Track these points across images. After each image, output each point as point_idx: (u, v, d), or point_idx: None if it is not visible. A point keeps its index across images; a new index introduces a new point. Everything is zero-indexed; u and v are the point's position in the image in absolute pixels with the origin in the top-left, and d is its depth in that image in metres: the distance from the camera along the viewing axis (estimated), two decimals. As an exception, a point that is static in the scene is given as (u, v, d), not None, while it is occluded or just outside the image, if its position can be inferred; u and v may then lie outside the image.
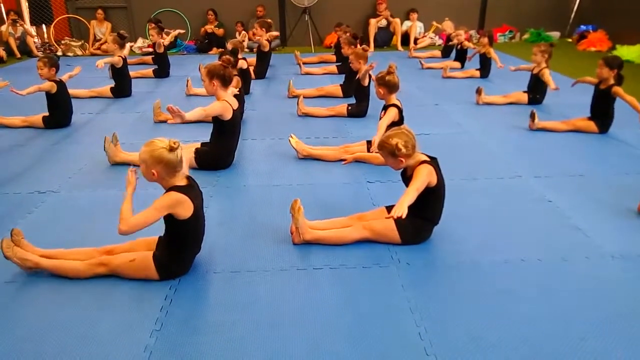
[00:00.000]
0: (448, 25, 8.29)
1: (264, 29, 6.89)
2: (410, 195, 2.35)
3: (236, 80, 4.52)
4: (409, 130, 2.57)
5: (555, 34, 10.14)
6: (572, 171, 3.67)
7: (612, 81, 4.31)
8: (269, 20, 7.36)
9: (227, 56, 4.56)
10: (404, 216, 2.22)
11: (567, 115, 4.79)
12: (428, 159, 2.56)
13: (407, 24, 9.87)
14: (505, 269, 2.47)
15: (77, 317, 2.14)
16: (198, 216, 2.35)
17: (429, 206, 2.61)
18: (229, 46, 5.67)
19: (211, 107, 3.52)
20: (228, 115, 3.58)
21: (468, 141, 4.38)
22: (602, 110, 4.44)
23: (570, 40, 9.99)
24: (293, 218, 2.65)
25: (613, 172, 3.65)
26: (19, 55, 9.02)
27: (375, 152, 3.49)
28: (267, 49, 6.87)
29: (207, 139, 3.80)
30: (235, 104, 3.68)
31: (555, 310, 2.16)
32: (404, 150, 2.48)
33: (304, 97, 5.34)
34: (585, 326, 2.06)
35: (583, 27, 9.62)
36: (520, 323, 2.09)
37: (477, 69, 6.88)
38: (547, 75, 5.14)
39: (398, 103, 3.72)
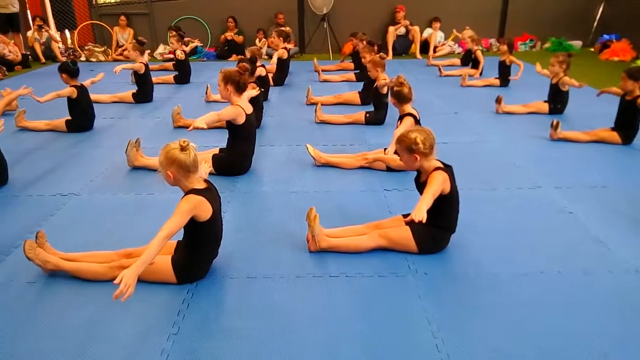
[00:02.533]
0: (468, 34, 8.24)
1: (281, 38, 6.95)
2: (427, 199, 2.32)
3: (252, 87, 4.56)
4: (430, 130, 2.56)
5: (577, 43, 10.00)
6: (594, 182, 3.60)
7: (638, 92, 4.23)
8: (287, 29, 7.41)
9: (244, 63, 4.60)
10: (424, 220, 2.19)
11: (588, 126, 4.71)
12: (443, 166, 2.55)
13: (428, 31, 9.85)
14: (524, 281, 2.43)
15: (97, 319, 2.17)
16: (216, 219, 2.38)
17: (443, 215, 2.59)
18: (248, 54, 5.71)
19: (224, 112, 3.57)
20: (241, 120, 3.61)
21: (487, 150, 4.34)
22: (627, 122, 4.37)
23: (592, 49, 9.84)
24: (309, 226, 2.65)
25: (636, 184, 3.57)
26: (43, 60, 9.23)
27: (366, 162, 3.54)
28: (285, 57, 6.92)
29: (224, 144, 3.84)
30: (250, 109, 3.71)
31: (577, 324, 2.12)
32: (421, 146, 2.46)
33: (321, 105, 5.35)
34: (608, 341, 2.01)
35: (606, 37, 9.46)
36: (539, 336, 2.05)
37: (496, 78, 6.83)
38: (568, 79, 5.06)
39: (414, 112, 3.71)
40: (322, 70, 7.54)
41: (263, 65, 5.77)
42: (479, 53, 7.34)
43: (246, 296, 2.34)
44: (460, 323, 2.13)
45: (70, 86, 4.76)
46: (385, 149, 3.80)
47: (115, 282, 1.94)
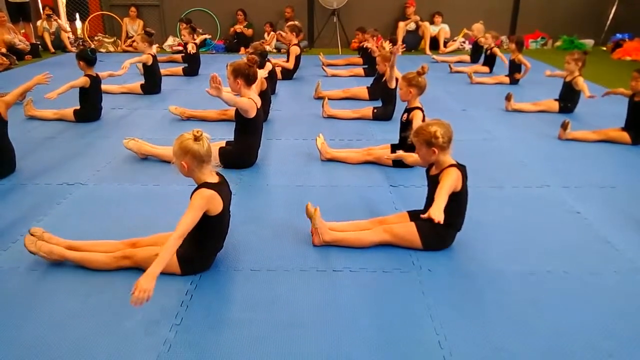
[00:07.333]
0: (478, 29, 8.10)
1: (294, 33, 6.91)
2: (442, 197, 2.29)
3: (260, 81, 4.54)
4: (448, 123, 2.53)
5: (588, 42, 9.89)
6: (603, 182, 3.56)
7: (648, 92, 4.18)
8: (299, 24, 7.37)
9: (254, 56, 4.58)
10: (442, 221, 2.14)
11: (598, 125, 4.66)
12: (457, 164, 2.53)
13: (435, 27, 9.78)
14: (530, 280, 2.41)
15: (99, 308, 2.18)
16: (225, 213, 2.38)
17: (452, 213, 2.55)
18: (251, 50, 5.47)
19: (240, 100, 3.55)
20: (252, 113, 3.60)
21: (496, 148, 4.31)
22: (636, 122, 4.31)
23: (604, 48, 9.74)
24: (311, 220, 2.65)
25: (646, 185, 3.53)
26: (52, 50, 9.26)
27: (387, 158, 3.50)
28: (298, 53, 6.89)
29: (231, 137, 3.83)
30: (259, 103, 3.71)
31: (582, 324, 2.10)
32: (440, 139, 2.45)
33: (329, 99, 5.33)
34: (613, 342, 2.00)
35: (619, 36, 9.36)
36: (544, 336, 2.03)
37: (506, 75, 6.77)
38: (582, 83, 5.01)
39: (421, 106, 3.69)
40: (329, 65, 7.50)
41: (269, 60, 5.75)
42: (496, 50, 7.27)
43: (250, 289, 2.34)
44: (464, 320, 2.12)
45: (85, 75, 4.76)
46: (393, 145, 3.79)
47: (132, 292, 1.92)
